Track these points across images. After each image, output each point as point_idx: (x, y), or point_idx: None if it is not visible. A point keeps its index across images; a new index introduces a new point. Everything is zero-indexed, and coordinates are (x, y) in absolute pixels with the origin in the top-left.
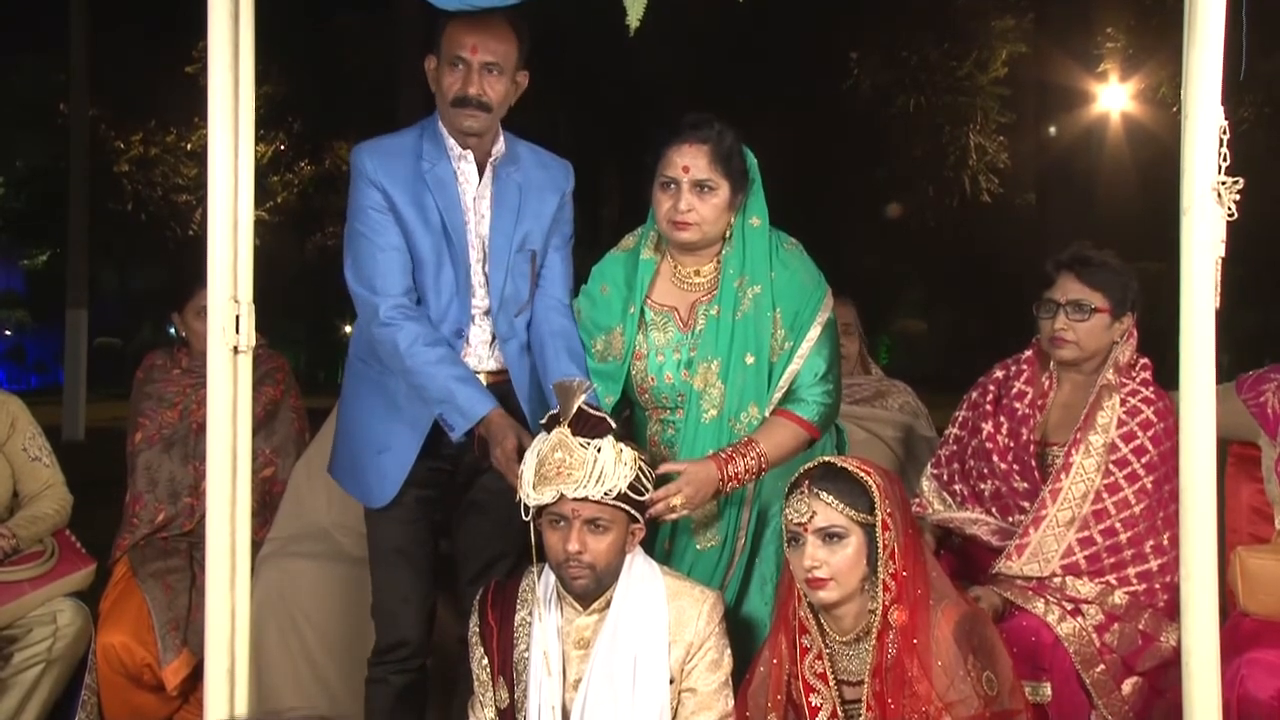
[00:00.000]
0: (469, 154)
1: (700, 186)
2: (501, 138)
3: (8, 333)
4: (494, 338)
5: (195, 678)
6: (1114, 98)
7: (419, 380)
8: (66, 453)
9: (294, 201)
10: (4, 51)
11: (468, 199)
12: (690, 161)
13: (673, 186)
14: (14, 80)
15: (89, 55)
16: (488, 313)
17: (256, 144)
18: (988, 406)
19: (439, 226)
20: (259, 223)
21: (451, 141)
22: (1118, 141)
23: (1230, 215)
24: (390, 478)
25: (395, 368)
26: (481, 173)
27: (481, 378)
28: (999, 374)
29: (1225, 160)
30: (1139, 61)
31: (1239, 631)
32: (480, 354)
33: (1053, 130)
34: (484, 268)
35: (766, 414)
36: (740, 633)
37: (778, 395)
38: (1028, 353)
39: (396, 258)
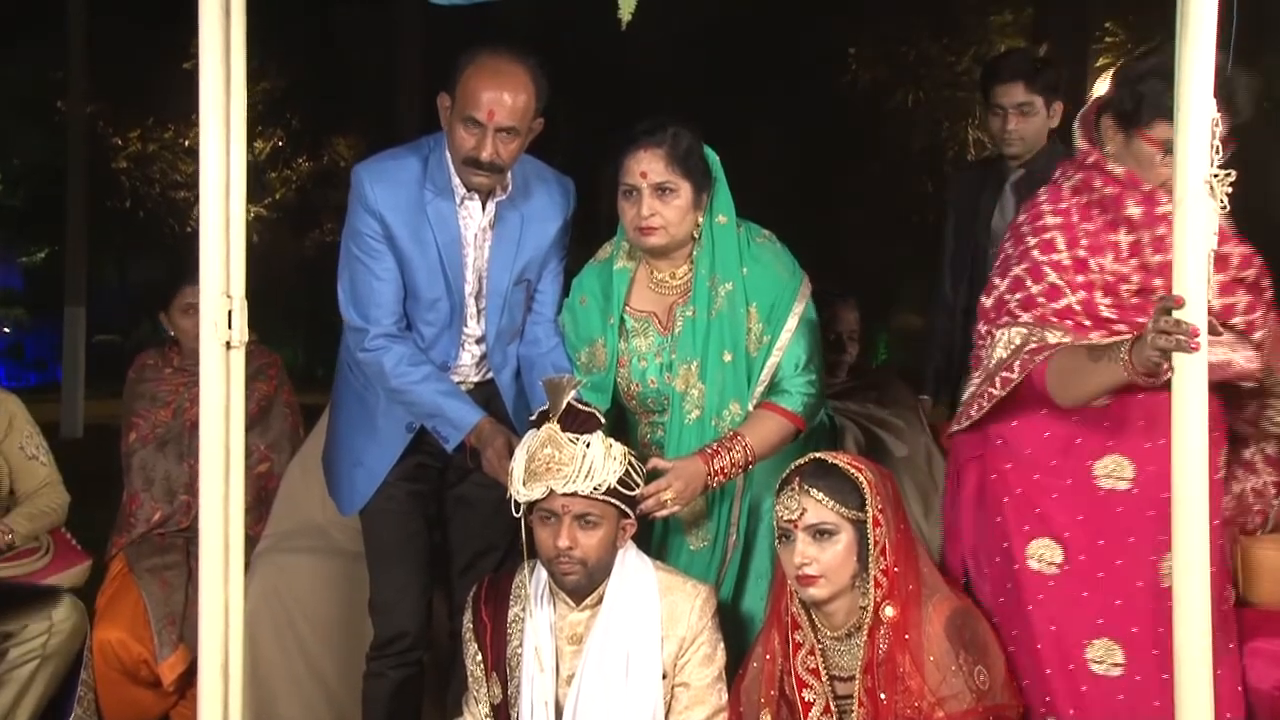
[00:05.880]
0: (474, 193)
1: (661, 190)
2: (509, 175)
3: (6, 330)
4: (483, 358)
5: (192, 673)
6: None
7: (407, 399)
8: (65, 450)
9: (292, 198)
10: (1, 48)
11: (469, 234)
12: (647, 166)
13: (634, 193)
14: (11, 76)
15: (86, 51)
16: (479, 340)
17: (255, 140)
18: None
19: (436, 261)
20: (258, 219)
21: (457, 180)
22: None
23: (1223, 208)
24: (360, 491)
25: (382, 387)
26: (485, 205)
27: (467, 385)
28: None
29: (1218, 153)
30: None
31: (1241, 621)
32: (467, 374)
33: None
34: (478, 301)
35: (750, 409)
36: (737, 628)
37: (760, 389)
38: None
39: (390, 288)
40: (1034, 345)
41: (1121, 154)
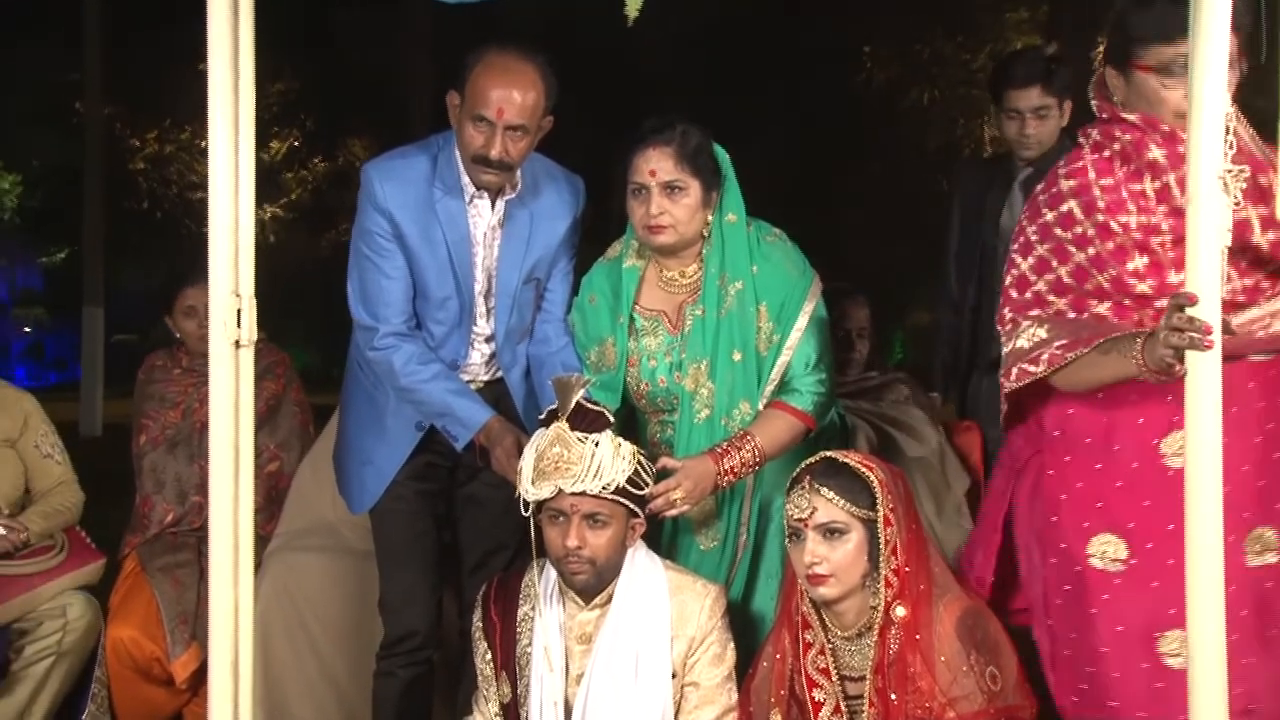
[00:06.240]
0: (483, 192)
1: (669, 188)
2: (519, 174)
3: (27, 330)
4: (493, 357)
5: (204, 671)
6: None
7: (416, 397)
8: (84, 448)
9: (308, 198)
10: (19, 49)
11: (478, 233)
12: (656, 165)
13: (643, 192)
14: (29, 79)
15: (103, 53)
16: (488, 339)
17: (271, 141)
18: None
19: (445, 260)
20: (274, 219)
21: (466, 179)
22: None
23: (1236, 204)
24: (369, 490)
25: (391, 385)
26: (494, 203)
27: (477, 384)
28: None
29: (1231, 148)
30: None
31: None
32: (476, 373)
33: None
34: (488, 300)
35: (760, 408)
36: (747, 627)
37: (770, 388)
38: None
39: (399, 286)
40: (1065, 341)
41: (1130, 98)
